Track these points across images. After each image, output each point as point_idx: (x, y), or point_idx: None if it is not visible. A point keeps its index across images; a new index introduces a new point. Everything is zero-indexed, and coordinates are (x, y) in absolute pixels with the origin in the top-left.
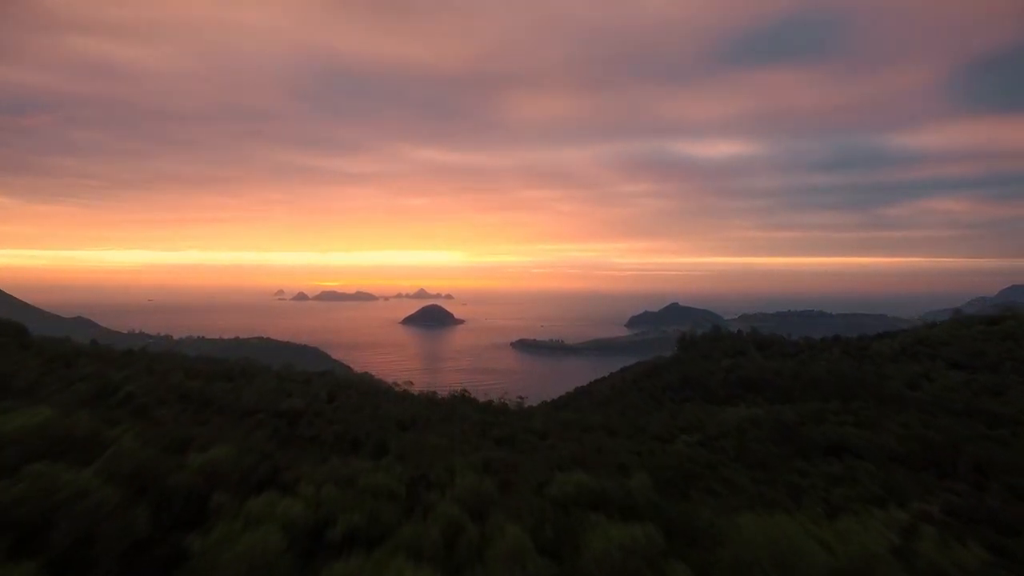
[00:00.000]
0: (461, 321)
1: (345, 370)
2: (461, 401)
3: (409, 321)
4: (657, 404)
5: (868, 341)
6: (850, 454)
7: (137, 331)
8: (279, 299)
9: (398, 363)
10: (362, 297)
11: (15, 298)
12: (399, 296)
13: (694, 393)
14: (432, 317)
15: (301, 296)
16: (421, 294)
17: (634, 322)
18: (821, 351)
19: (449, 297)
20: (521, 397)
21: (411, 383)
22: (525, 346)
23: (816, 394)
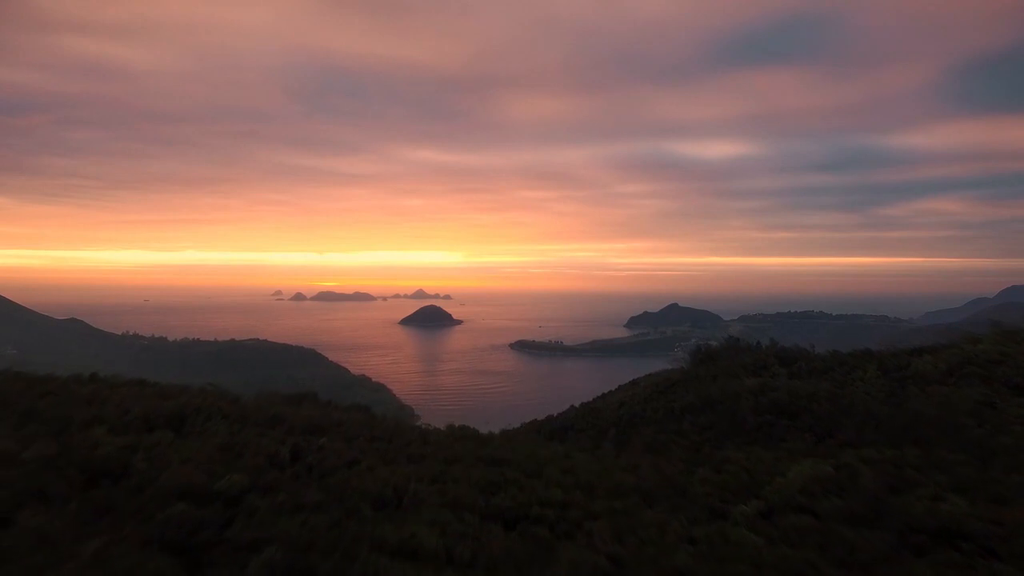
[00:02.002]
0: (459, 322)
1: (343, 372)
2: (459, 438)
3: (407, 322)
4: (684, 439)
5: (907, 358)
6: (974, 546)
7: (131, 332)
8: (276, 299)
9: (396, 365)
10: (360, 297)
11: (7, 300)
12: (397, 296)
13: (718, 419)
14: (430, 318)
15: (299, 296)
16: (419, 294)
17: (633, 323)
18: (854, 368)
19: (447, 297)
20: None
21: (411, 416)
22: (524, 347)
23: (872, 432)
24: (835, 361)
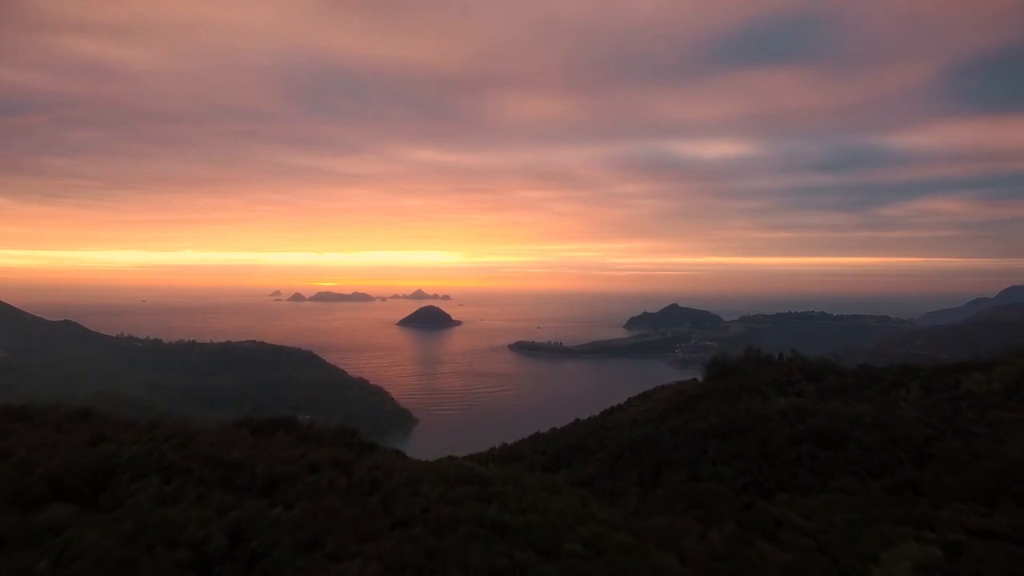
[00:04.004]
0: (459, 323)
1: (341, 374)
2: (456, 482)
3: (406, 322)
4: (722, 483)
5: (953, 375)
6: None
7: (126, 334)
8: (275, 300)
9: (395, 367)
10: (359, 298)
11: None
12: (396, 297)
13: (748, 446)
14: (429, 319)
15: (297, 297)
16: (418, 295)
17: (633, 323)
18: (893, 386)
19: (447, 298)
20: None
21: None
22: (523, 348)
23: (946, 474)
24: (869, 377)
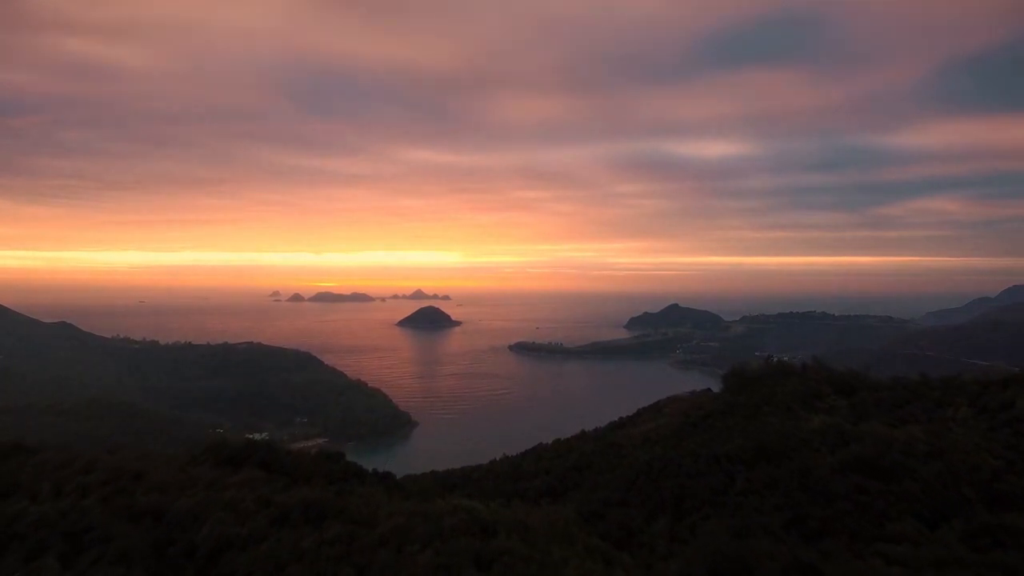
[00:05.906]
0: (458, 323)
1: (340, 376)
2: (451, 534)
3: (406, 323)
4: (770, 533)
5: (1004, 392)
6: None
7: (122, 336)
8: (274, 300)
9: (394, 368)
10: (358, 298)
11: None
12: (396, 297)
13: (783, 475)
14: (429, 319)
15: (296, 297)
16: (418, 295)
17: (634, 324)
18: (938, 404)
19: (446, 298)
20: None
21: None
22: (524, 349)
23: None
24: (908, 392)
